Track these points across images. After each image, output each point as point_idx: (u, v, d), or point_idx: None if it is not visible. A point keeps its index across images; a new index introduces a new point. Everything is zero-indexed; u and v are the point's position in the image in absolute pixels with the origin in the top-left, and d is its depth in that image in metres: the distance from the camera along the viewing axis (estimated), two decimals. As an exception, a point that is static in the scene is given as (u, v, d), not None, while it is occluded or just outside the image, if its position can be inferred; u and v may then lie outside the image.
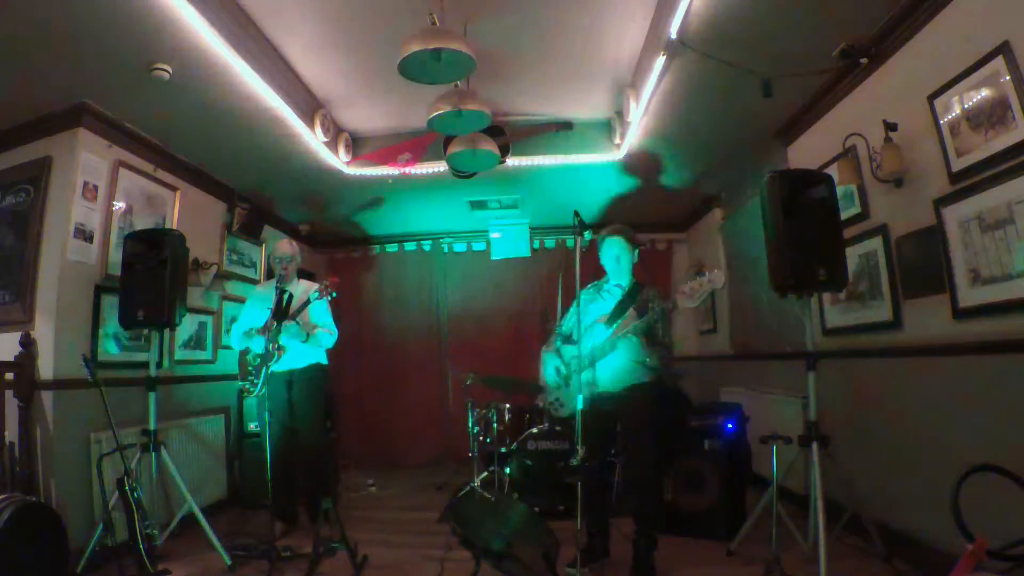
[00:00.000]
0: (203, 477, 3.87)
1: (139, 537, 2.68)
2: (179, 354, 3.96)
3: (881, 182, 2.87)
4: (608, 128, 4.15)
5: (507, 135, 4.00)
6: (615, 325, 2.79)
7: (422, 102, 3.03)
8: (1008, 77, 2.14)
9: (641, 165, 4.45)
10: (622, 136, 3.99)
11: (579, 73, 3.54)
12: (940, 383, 2.55)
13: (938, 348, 2.57)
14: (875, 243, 2.99)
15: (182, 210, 3.97)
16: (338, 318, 3.80)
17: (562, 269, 5.83)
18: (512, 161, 4.16)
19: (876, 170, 2.87)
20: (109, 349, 3.32)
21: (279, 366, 3.44)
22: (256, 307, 3.61)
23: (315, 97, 3.69)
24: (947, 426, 2.49)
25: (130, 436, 3.08)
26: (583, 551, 2.55)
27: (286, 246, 3.67)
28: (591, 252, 3.07)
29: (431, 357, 6.15)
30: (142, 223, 3.59)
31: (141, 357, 3.38)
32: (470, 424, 4.36)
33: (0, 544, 2.21)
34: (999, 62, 2.17)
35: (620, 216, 5.73)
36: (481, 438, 4.32)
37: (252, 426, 4.33)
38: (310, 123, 3.68)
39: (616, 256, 2.91)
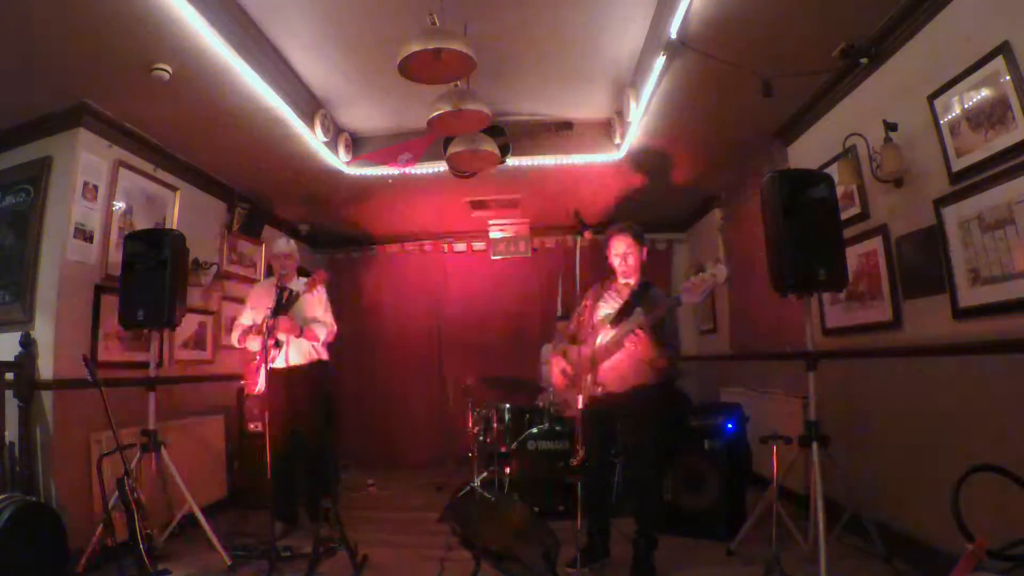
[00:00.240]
0: (203, 477, 3.86)
1: (139, 537, 2.68)
2: (179, 354, 3.96)
3: (881, 182, 2.87)
4: (608, 128, 4.15)
5: (507, 135, 4.00)
6: (621, 325, 2.78)
7: (422, 102, 3.03)
8: (1008, 77, 2.14)
9: (641, 165, 4.45)
10: (622, 136, 3.99)
11: (579, 73, 3.54)
12: (940, 383, 2.55)
13: (938, 348, 2.57)
14: (875, 243, 2.99)
15: (182, 210, 3.97)
16: (338, 317, 3.80)
17: (562, 269, 5.93)
18: (512, 161, 4.16)
19: (876, 170, 2.87)
20: (109, 349, 3.32)
21: (279, 364, 3.44)
22: (256, 307, 3.60)
23: (315, 97, 3.69)
24: (947, 426, 2.48)
25: (130, 436, 3.08)
26: (583, 551, 2.56)
27: (283, 245, 3.67)
28: (591, 252, 3.09)
29: (431, 357, 6.15)
30: (142, 223, 3.60)
31: (141, 357, 3.38)
32: (470, 424, 4.36)
33: (0, 544, 2.21)
34: (999, 62, 2.17)
35: (620, 216, 5.74)
36: (481, 438, 4.32)
37: (252, 426, 4.32)
38: (310, 123, 3.68)
39: (624, 254, 2.89)
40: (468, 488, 3.91)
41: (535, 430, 3.92)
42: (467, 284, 6.29)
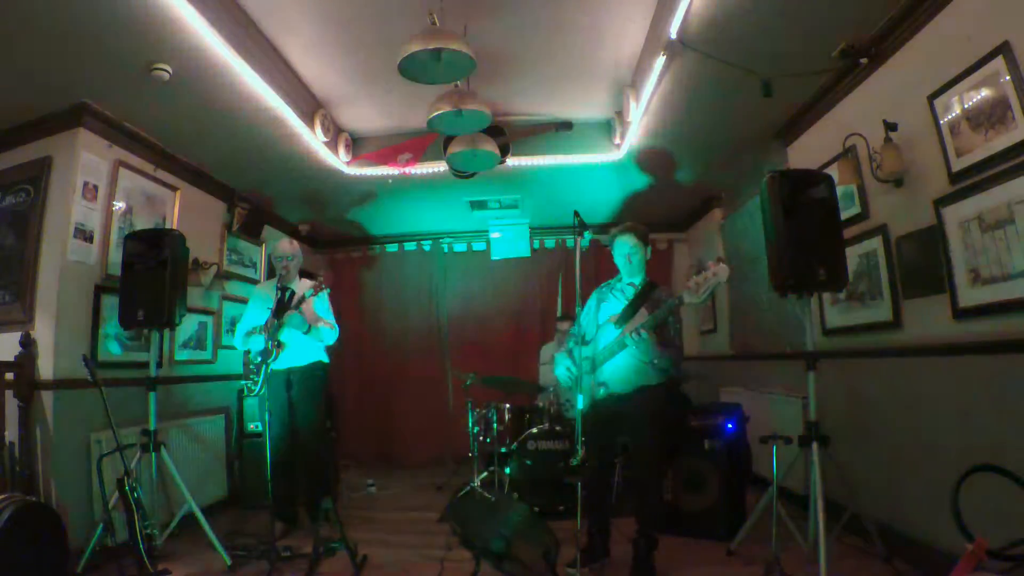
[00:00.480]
0: (203, 477, 3.87)
1: (139, 537, 2.68)
2: (179, 354, 3.96)
3: (881, 182, 2.87)
4: (608, 128, 4.15)
5: (507, 135, 4.00)
6: (626, 325, 2.78)
7: (422, 102, 3.03)
8: (1008, 77, 2.14)
9: (641, 165, 4.45)
10: (622, 136, 3.99)
11: (579, 73, 3.54)
12: (940, 383, 2.55)
13: (938, 348, 2.57)
14: (875, 243, 2.99)
15: (182, 210, 3.97)
16: (338, 318, 3.80)
17: (562, 269, 5.93)
18: (512, 161, 4.16)
19: (876, 170, 2.87)
20: (109, 349, 3.32)
21: (279, 364, 3.44)
22: (258, 306, 3.60)
23: (315, 97, 3.69)
24: (947, 426, 2.48)
25: (130, 436, 3.08)
26: (583, 551, 2.55)
27: (287, 245, 3.67)
28: (591, 252, 3.10)
29: (431, 357, 6.15)
30: (142, 223, 3.59)
31: (141, 357, 3.38)
32: (470, 424, 4.36)
33: (0, 544, 2.21)
34: (999, 62, 2.17)
35: (619, 216, 5.75)
36: (481, 438, 4.32)
37: (252, 426, 4.33)
38: (310, 123, 3.68)
39: (628, 254, 2.89)
40: (468, 488, 3.91)
41: (535, 430, 3.92)
42: (467, 284, 6.29)
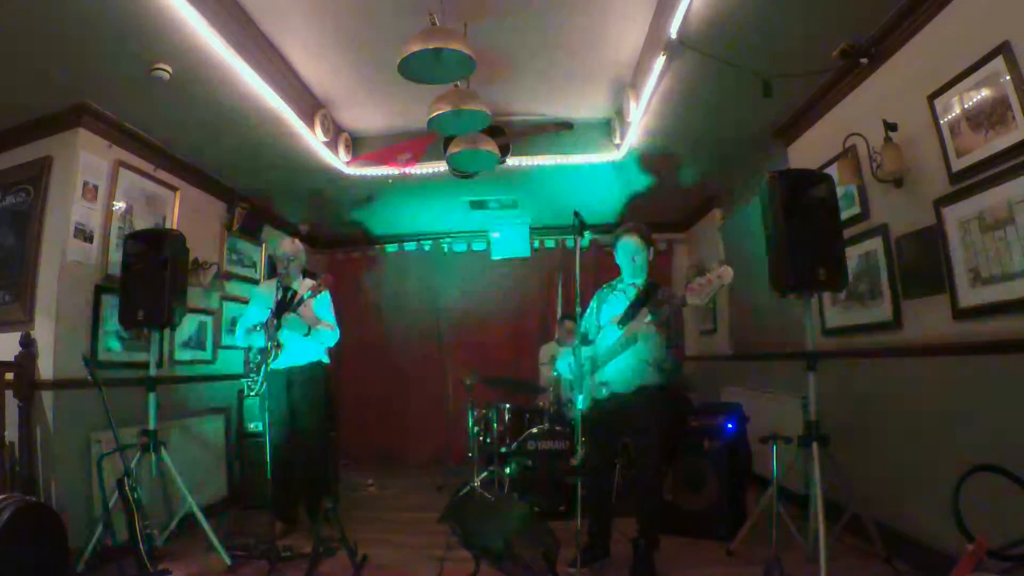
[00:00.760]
0: (203, 477, 3.86)
1: (139, 537, 2.68)
2: (179, 354, 3.96)
3: (881, 182, 2.87)
4: (608, 128, 4.15)
5: (507, 135, 4.00)
6: (628, 326, 2.77)
7: (422, 102, 3.03)
8: (1008, 77, 2.14)
9: (641, 165, 4.45)
10: (622, 136, 3.99)
11: (579, 73, 3.54)
12: (940, 383, 2.55)
13: (938, 348, 2.57)
14: (875, 243, 2.99)
15: (182, 210, 3.97)
16: (339, 318, 3.80)
17: (562, 269, 5.93)
18: (512, 161, 4.16)
19: (876, 170, 2.87)
20: (110, 349, 3.32)
21: (279, 364, 3.44)
22: (259, 305, 3.60)
23: (315, 97, 3.69)
24: (947, 426, 2.48)
25: (130, 436, 3.08)
26: (583, 551, 2.56)
27: (288, 245, 3.67)
28: (591, 252, 3.10)
29: (431, 357, 6.15)
30: (142, 223, 3.59)
31: (141, 357, 3.38)
32: (470, 424, 4.36)
33: (0, 544, 2.21)
34: (999, 62, 2.17)
35: (620, 216, 5.75)
36: (481, 438, 4.32)
37: (252, 426, 4.33)
38: (310, 123, 3.68)
39: (631, 255, 2.89)
40: (468, 488, 3.91)
41: (535, 430, 3.92)
42: (467, 284, 6.29)
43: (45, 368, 2.97)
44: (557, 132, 4.11)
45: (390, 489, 4.86)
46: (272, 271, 4.60)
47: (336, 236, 6.35)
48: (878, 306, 2.99)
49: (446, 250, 6.37)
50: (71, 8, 2.39)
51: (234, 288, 4.62)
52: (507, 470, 3.93)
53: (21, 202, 3.17)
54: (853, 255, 3.06)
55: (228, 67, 2.89)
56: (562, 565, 2.57)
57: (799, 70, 3.00)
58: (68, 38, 2.59)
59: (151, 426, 3.07)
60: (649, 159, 4.34)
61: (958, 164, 2.40)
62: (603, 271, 3.05)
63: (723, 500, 3.27)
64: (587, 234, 2.61)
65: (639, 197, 5.22)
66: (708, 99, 3.43)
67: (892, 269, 2.88)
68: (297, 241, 3.74)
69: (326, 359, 3.72)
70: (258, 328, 3.43)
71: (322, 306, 3.58)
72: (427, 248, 6.38)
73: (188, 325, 4.02)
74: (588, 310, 2.96)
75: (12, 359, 2.92)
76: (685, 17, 2.63)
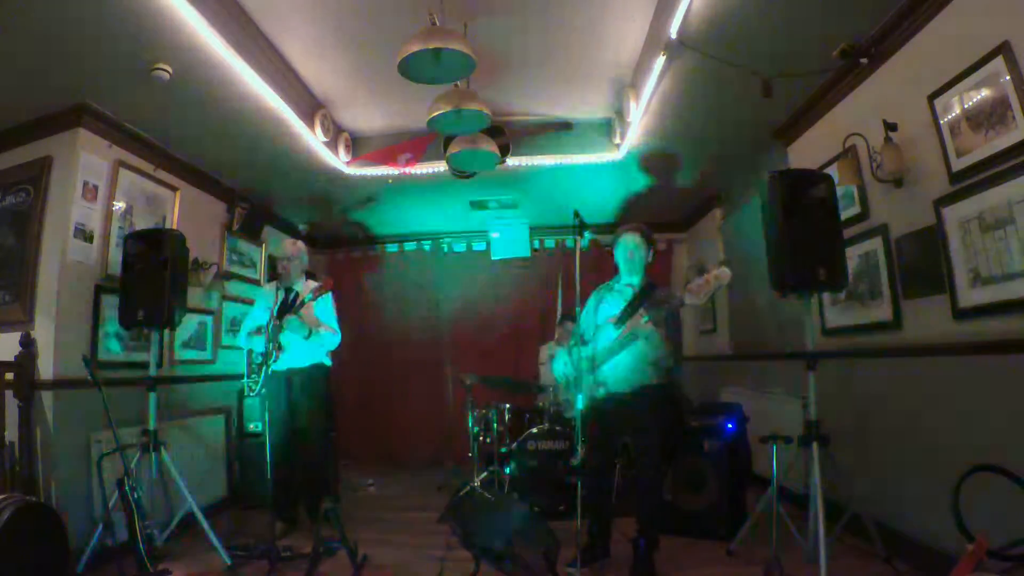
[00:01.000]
0: (203, 477, 3.86)
1: (139, 537, 2.68)
2: (179, 354, 3.96)
3: (881, 182, 2.87)
4: (608, 128, 4.15)
5: (507, 135, 4.00)
6: (625, 325, 2.78)
7: (422, 102, 3.03)
8: (1008, 77, 2.14)
9: (641, 165, 4.45)
10: (622, 136, 3.99)
11: (579, 73, 3.54)
12: (940, 383, 2.55)
13: (938, 348, 2.57)
14: (875, 243, 2.99)
15: (182, 210, 3.97)
16: (339, 318, 3.80)
17: (561, 269, 5.93)
18: (512, 161, 4.16)
19: (876, 170, 2.87)
20: (110, 349, 3.32)
21: (279, 365, 3.44)
22: (262, 306, 3.60)
23: (315, 97, 3.69)
24: (947, 426, 2.49)
25: (130, 436, 3.08)
26: (583, 551, 2.56)
27: (288, 246, 3.67)
28: (590, 252, 3.10)
29: (431, 357, 6.15)
30: (142, 223, 3.59)
31: (141, 357, 3.38)
32: (470, 424, 4.36)
33: (0, 544, 2.21)
34: (999, 62, 2.17)
35: (620, 216, 5.75)
36: (481, 438, 4.32)
37: (252, 426, 4.33)
38: (310, 123, 3.68)
39: (630, 254, 2.88)
40: (468, 488, 3.91)
41: (535, 430, 3.92)
42: (467, 284, 6.29)
43: (45, 368, 2.97)
44: (557, 132, 4.12)
45: (390, 489, 4.86)
46: (273, 272, 4.60)
47: (336, 236, 6.35)
48: (878, 306, 2.99)
49: (446, 250, 6.37)
50: (71, 8, 2.39)
51: (234, 288, 4.61)
52: (507, 470, 3.94)
53: (21, 202, 3.17)
54: (853, 255, 3.06)
55: (228, 67, 2.89)
56: (562, 565, 2.57)
57: (799, 70, 2.99)
58: (68, 38, 2.59)
59: (151, 426, 3.07)
60: (649, 159, 4.34)
61: (958, 164, 2.40)
62: (603, 271, 3.05)
63: (723, 500, 3.27)
64: (587, 234, 2.62)
65: (639, 197, 5.22)
66: (708, 99, 3.43)
67: (892, 269, 2.88)
68: (298, 242, 3.74)
69: (328, 361, 3.72)
70: (260, 331, 3.43)
71: (324, 309, 3.58)
72: (427, 248, 6.38)
73: (188, 325, 4.02)
74: (585, 309, 2.96)
75: (12, 359, 2.92)
76: (685, 17, 2.63)
